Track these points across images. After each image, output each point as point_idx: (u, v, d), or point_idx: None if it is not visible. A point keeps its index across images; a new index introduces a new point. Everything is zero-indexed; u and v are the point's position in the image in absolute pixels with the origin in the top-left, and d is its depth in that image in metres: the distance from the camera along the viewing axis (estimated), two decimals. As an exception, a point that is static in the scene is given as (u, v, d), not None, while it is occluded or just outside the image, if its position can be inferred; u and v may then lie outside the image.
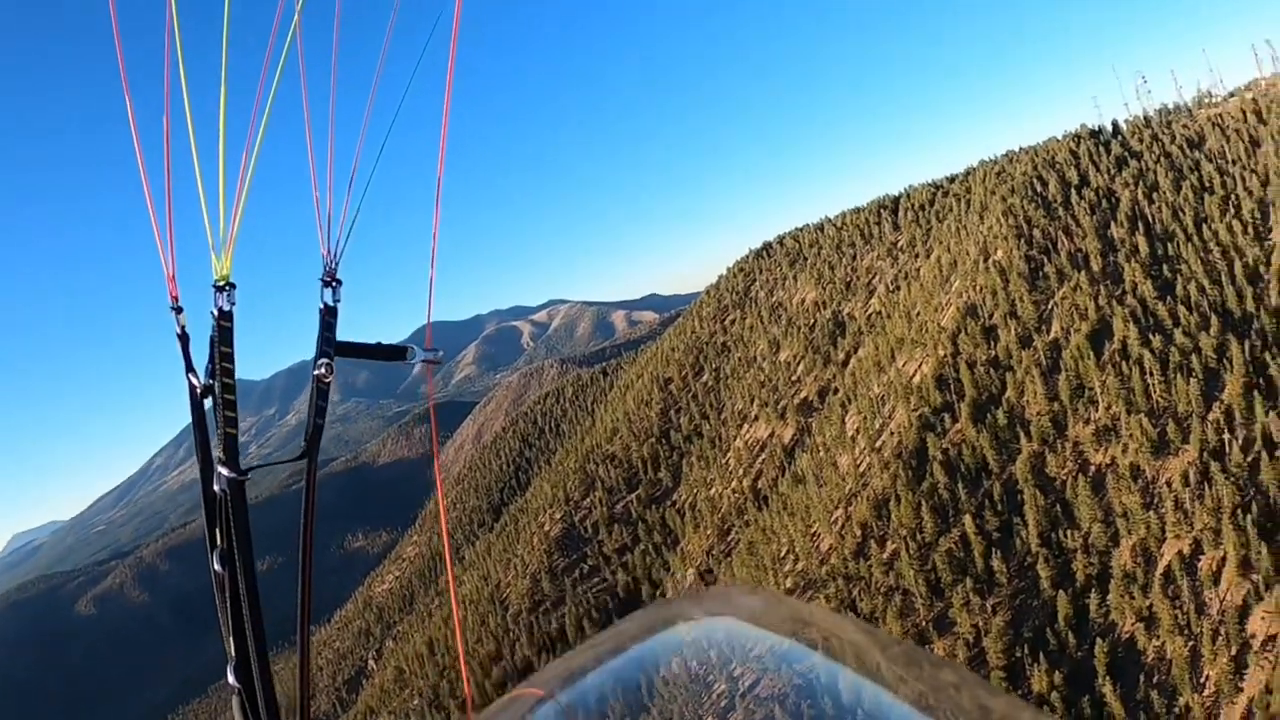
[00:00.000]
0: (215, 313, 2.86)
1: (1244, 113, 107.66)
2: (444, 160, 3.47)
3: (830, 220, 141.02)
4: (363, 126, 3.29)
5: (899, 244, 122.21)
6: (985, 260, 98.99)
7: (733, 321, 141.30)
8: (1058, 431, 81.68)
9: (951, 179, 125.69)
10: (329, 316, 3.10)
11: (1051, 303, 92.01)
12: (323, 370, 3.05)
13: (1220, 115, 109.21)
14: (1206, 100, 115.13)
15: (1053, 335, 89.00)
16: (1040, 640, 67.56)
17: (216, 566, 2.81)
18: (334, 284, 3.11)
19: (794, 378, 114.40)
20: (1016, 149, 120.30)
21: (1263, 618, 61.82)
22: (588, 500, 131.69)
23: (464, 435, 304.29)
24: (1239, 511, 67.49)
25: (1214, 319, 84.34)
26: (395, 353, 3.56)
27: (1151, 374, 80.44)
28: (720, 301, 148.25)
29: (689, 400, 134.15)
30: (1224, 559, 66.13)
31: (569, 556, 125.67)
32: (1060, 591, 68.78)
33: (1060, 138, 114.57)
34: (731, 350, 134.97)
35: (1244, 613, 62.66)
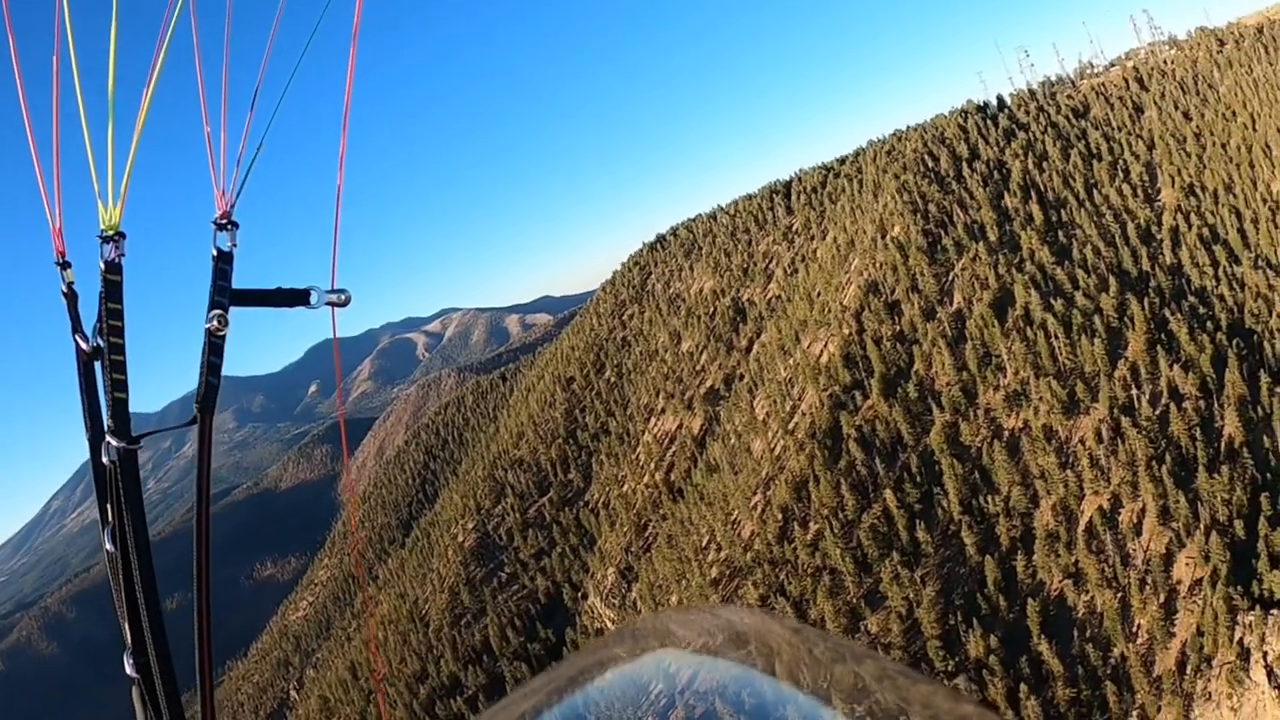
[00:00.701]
0: (103, 265, 2.70)
1: (1126, 81, 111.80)
2: (353, 73, 3.17)
3: (723, 209, 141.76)
4: (264, 59, 3.14)
5: (794, 227, 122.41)
6: (883, 237, 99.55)
7: (631, 316, 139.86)
8: (969, 400, 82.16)
9: (842, 160, 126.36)
10: (223, 263, 2.85)
11: (952, 274, 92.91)
12: (215, 323, 2.76)
13: (1103, 85, 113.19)
14: (1088, 71, 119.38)
15: (955, 306, 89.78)
16: (972, 606, 67.16)
17: (108, 545, 2.63)
18: (230, 226, 2.88)
19: (698, 367, 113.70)
20: (904, 128, 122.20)
21: (1187, 563, 62.60)
22: (499, 508, 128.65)
23: (366, 452, 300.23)
24: (1154, 463, 68.72)
25: (1112, 280, 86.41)
26: (296, 297, 3.05)
27: (1056, 337, 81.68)
28: (617, 297, 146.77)
29: (593, 398, 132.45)
30: (1143, 510, 67.02)
31: (486, 566, 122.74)
32: (987, 556, 68.69)
33: (948, 114, 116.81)
34: (632, 345, 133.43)
35: (1168, 560, 63.46)
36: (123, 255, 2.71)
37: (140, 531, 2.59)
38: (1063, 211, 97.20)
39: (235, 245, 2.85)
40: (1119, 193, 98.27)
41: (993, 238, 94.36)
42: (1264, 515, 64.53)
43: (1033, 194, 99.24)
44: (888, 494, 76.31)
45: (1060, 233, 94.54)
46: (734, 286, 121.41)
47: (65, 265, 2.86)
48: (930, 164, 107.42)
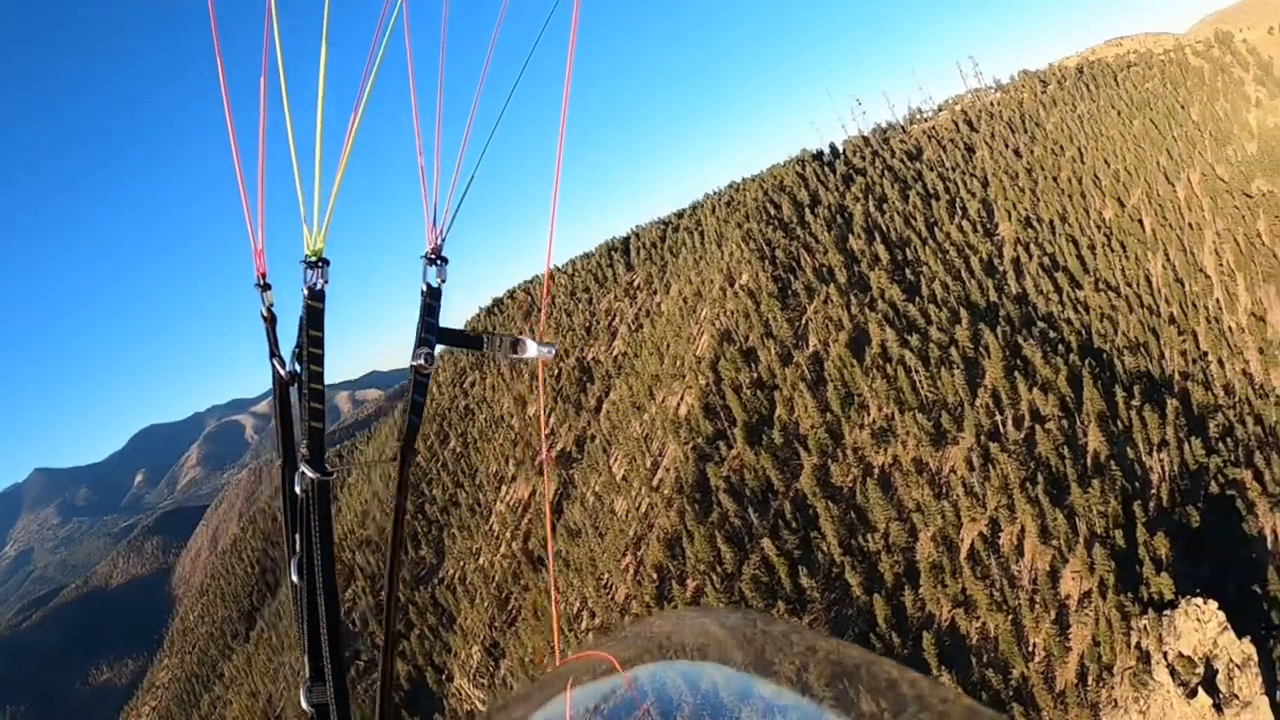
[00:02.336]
0: (306, 291, 2.74)
1: (956, 123, 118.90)
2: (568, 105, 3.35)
3: (560, 269, 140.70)
4: (477, 89, 3.26)
5: (635, 283, 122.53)
6: (732, 285, 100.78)
7: (473, 383, 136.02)
8: (835, 441, 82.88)
9: (680, 214, 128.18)
10: (432, 299, 2.90)
11: (805, 318, 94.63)
12: (422, 360, 2.83)
13: (933, 128, 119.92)
14: (918, 116, 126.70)
15: (812, 349, 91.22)
16: (865, 646, 65.87)
17: (294, 577, 2.70)
18: (439, 262, 2.94)
19: (547, 431, 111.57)
20: (740, 179, 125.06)
21: (1072, 577, 63.90)
22: (349, 592, 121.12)
23: (199, 543, 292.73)
24: (1026, 484, 70.47)
25: (963, 312, 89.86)
26: (507, 345, 3.12)
27: (916, 371, 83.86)
28: (456, 365, 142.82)
29: (439, 470, 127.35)
30: (1022, 531, 68.34)
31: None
32: (874, 595, 67.98)
33: (784, 163, 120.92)
34: (476, 413, 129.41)
35: (1054, 577, 64.55)
36: (326, 282, 2.69)
37: (328, 564, 2.60)
38: (907, 250, 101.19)
39: (444, 280, 2.84)
40: (959, 229, 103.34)
41: (842, 279, 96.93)
42: (1140, 522, 67.37)
43: (876, 235, 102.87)
44: (765, 543, 75.12)
45: (907, 270, 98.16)
46: (578, 346, 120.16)
47: (266, 287, 2.84)
48: (773, 211, 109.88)
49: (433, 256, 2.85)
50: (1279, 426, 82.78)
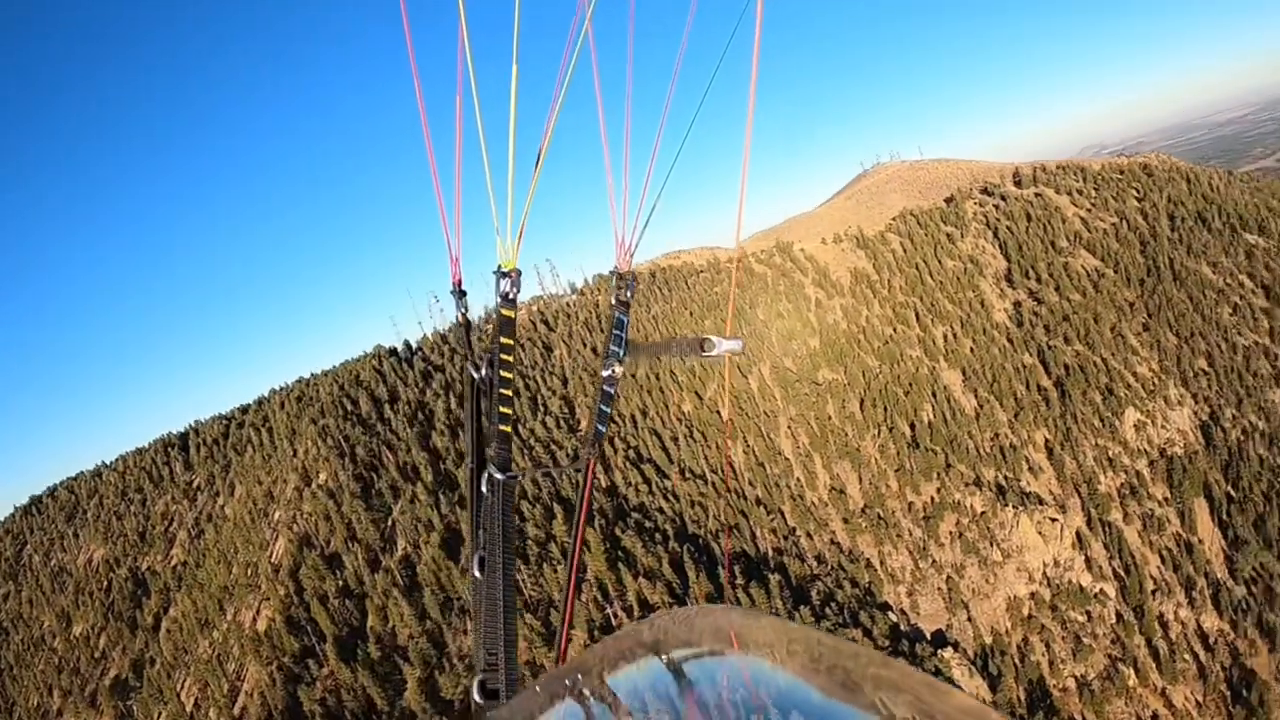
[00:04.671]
0: (499, 300, 3.04)
1: (534, 323, 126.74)
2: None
3: (109, 466, 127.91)
4: (663, 114, 3.39)
5: (195, 483, 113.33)
6: (309, 485, 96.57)
7: (7, 596, 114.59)
8: (438, 650, 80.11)
9: (244, 409, 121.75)
10: (622, 313, 3.21)
11: (391, 519, 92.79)
12: (613, 370, 3.18)
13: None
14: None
15: (402, 551, 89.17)
16: None
17: (475, 572, 2.94)
18: (630, 278, 3.26)
19: (98, 654, 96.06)
20: (309, 374, 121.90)
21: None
22: None
23: None
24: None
25: (556, 506, 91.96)
26: (693, 345, 3.30)
27: (519, 569, 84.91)
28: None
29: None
30: None
31: None
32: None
33: (359, 358, 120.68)
34: (11, 632, 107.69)
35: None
36: (518, 291, 2.99)
37: (509, 560, 2.86)
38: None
39: (633, 295, 3.16)
40: (544, 425, 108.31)
41: (428, 478, 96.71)
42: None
43: (460, 432, 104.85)
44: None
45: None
46: (130, 554, 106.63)
47: (462, 294, 3.16)
48: (350, 407, 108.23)
49: (622, 274, 3.18)
50: (873, 585, 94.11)
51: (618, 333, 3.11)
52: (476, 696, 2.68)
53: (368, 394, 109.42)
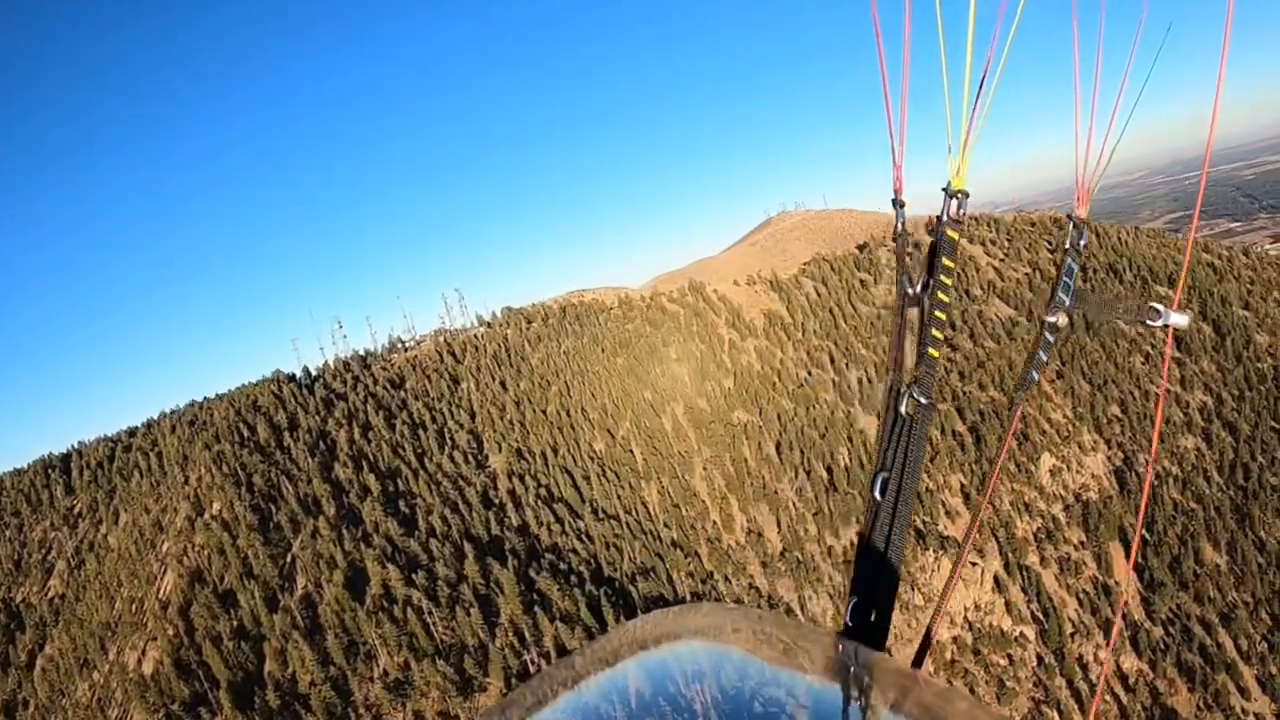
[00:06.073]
0: (943, 218, 2.95)
1: (440, 354, 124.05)
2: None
3: None
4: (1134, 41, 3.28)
5: (77, 509, 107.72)
6: (201, 515, 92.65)
7: None
8: (344, 698, 77.15)
9: (132, 432, 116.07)
10: (1074, 260, 3.10)
11: (291, 554, 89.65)
12: (1058, 318, 3.10)
13: (416, 357, 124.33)
14: (400, 344, 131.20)
15: (303, 589, 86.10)
16: None
17: (876, 493, 2.91)
18: (1082, 225, 3.15)
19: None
20: (203, 398, 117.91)
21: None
22: None
23: None
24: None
25: (467, 546, 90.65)
26: (1142, 311, 3.19)
27: (429, 613, 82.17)
28: None
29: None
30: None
31: None
32: None
33: (257, 382, 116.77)
34: None
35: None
36: (964, 212, 2.91)
37: (911, 485, 2.81)
38: (399, 481, 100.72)
39: (1085, 242, 3.03)
40: (451, 460, 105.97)
41: (331, 512, 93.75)
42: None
43: (364, 464, 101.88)
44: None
45: (401, 503, 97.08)
46: (3, 584, 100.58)
47: (900, 204, 3.00)
48: (247, 433, 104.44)
49: (1079, 220, 3.06)
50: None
51: (1067, 280, 2.93)
52: (849, 620, 2.71)
53: (266, 420, 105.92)
